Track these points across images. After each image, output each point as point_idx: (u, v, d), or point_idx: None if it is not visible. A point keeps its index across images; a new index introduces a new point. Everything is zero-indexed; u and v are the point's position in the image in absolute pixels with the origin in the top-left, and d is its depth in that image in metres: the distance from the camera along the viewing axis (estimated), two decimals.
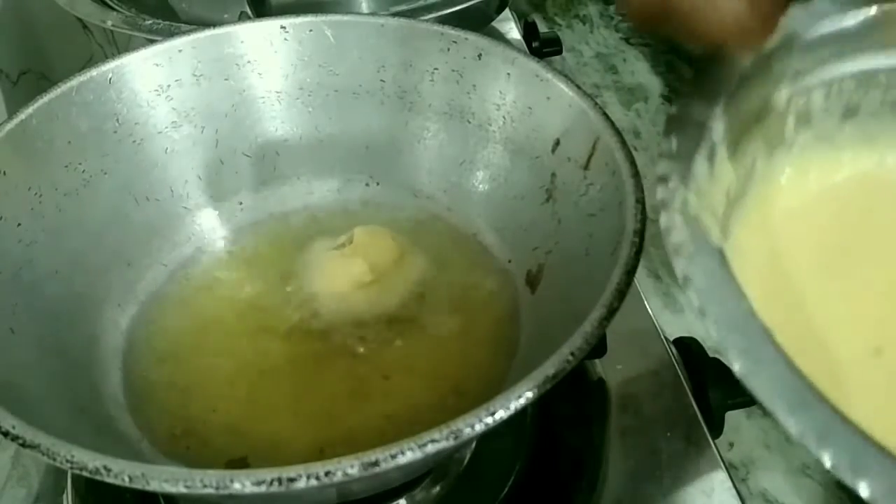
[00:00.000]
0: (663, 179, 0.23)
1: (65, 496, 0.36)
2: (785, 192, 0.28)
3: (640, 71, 0.85)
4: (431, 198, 0.40)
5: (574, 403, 0.37)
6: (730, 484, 0.35)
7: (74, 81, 0.36)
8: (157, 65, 0.38)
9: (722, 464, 0.36)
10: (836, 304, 0.25)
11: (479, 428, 0.22)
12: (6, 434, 0.23)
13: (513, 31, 0.72)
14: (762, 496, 0.47)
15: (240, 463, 0.31)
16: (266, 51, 0.40)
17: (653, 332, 0.42)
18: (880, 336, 0.24)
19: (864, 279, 0.26)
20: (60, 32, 0.67)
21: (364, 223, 0.38)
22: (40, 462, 0.39)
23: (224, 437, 0.32)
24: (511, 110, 0.37)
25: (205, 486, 0.21)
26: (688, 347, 0.41)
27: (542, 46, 0.70)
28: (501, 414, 0.22)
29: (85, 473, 0.22)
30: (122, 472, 0.21)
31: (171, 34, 0.40)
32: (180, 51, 0.38)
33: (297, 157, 0.41)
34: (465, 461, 0.36)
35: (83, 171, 0.36)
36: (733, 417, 0.39)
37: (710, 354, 0.41)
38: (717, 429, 0.38)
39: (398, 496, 0.34)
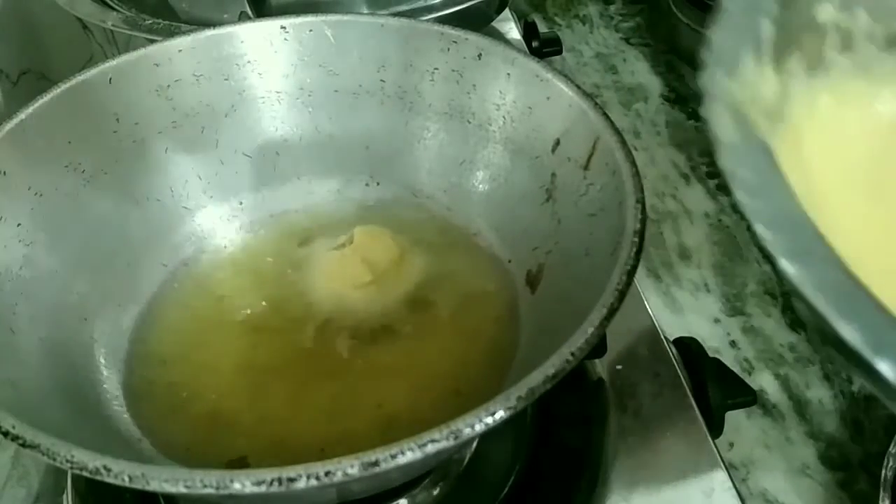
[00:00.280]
0: (706, 67, 0.22)
1: (65, 496, 0.36)
2: (821, 120, 0.27)
3: (640, 71, 0.85)
4: (431, 198, 0.40)
5: (574, 403, 0.37)
6: (730, 484, 0.35)
7: (74, 81, 0.36)
8: (157, 65, 0.38)
9: (722, 464, 0.36)
10: (868, 245, 0.24)
11: (479, 428, 0.22)
12: (6, 434, 0.23)
13: (513, 31, 0.72)
14: (762, 496, 0.47)
15: (240, 463, 0.31)
16: (266, 51, 0.40)
17: (653, 332, 0.42)
18: None
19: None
20: (60, 32, 0.67)
21: (364, 223, 0.38)
22: (40, 462, 0.39)
23: (224, 437, 0.32)
24: (511, 110, 0.37)
25: (205, 486, 0.21)
26: (688, 347, 0.41)
27: (542, 46, 0.70)
28: (501, 414, 0.22)
29: (85, 473, 0.22)
30: (122, 472, 0.21)
31: (171, 34, 0.40)
32: (180, 51, 0.38)
33: (297, 157, 0.41)
34: (465, 461, 0.36)
35: (83, 171, 0.36)
36: (733, 417, 0.39)
37: (710, 354, 0.41)
38: (717, 429, 0.38)
39: (398, 496, 0.34)
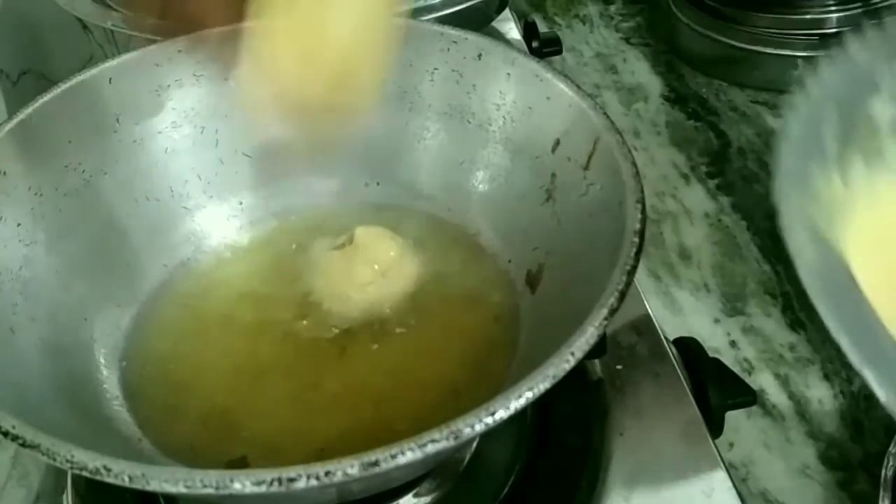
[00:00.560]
0: (777, 186, 0.23)
1: (65, 496, 0.36)
2: (883, 209, 0.28)
3: (640, 71, 0.85)
4: (431, 198, 0.40)
5: (574, 403, 0.37)
6: (730, 484, 0.35)
7: (74, 81, 0.36)
8: (157, 65, 0.38)
9: (722, 464, 0.36)
10: None
11: (479, 428, 0.22)
12: (6, 434, 0.23)
13: (513, 31, 0.72)
14: (762, 496, 0.47)
15: (240, 463, 0.31)
16: None
17: (653, 333, 0.42)
18: None
19: None
20: (60, 32, 0.67)
21: (364, 223, 0.38)
22: (40, 462, 0.39)
23: (224, 437, 0.32)
24: (511, 110, 0.37)
25: (205, 486, 0.21)
26: (688, 347, 0.41)
27: (542, 46, 0.70)
28: (501, 414, 0.22)
29: (85, 473, 0.22)
30: (122, 472, 0.22)
31: (171, 34, 0.40)
32: (180, 51, 0.38)
33: (297, 157, 0.41)
34: (465, 461, 0.36)
35: (83, 171, 0.36)
36: (733, 417, 0.39)
37: (710, 354, 0.41)
38: (717, 429, 0.38)
39: (398, 496, 0.34)
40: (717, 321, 0.58)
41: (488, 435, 0.28)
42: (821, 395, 0.52)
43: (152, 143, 0.38)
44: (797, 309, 0.58)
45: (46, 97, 0.34)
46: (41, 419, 0.24)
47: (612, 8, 0.95)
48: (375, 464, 0.21)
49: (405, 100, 0.40)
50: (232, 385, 0.34)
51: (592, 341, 0.24)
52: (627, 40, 0.89)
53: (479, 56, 0.37)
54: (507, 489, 0.35)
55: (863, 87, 0.28)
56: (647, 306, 0.43)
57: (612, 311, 0.25)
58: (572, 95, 0.34)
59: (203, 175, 0.40)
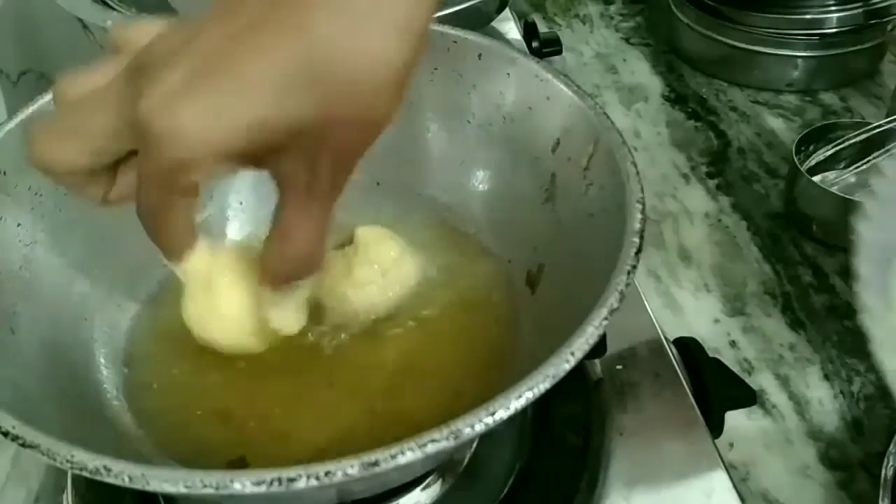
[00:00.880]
0: (862, 310, 0.23)
1: (65, 496, 0.36)
2: None
3: (640, 71, 0.85)
4: (431, 198, 0.40)
5: (574, 403, 0.37)
6: (730, 484, 0.35)
7: None
8: None
9: (722, 464, 0.36)
10: None
11: (479, 428, 0.22)
12: (6, 434, 0.23)
13: (513, 31, 0.72)
14: (762, 496, 0.47)
15: (240, 463, 0.31)
16: None
17: (653, 332, 0.42)
18: None
19: None
20: (60, 32, 0.67)
21: (364, 223, 0.38)
22: (40, 462, 0.39)
23: (224, 437, 0.32)
24: (511, 110, 0.37)
25: (205, 486, 0.21)
26: (688, 347, 0.41)
27: (542, 46, 0.70)
28: (501, 414, 0.22)
29: (85, 473, 0.22)
30: (122, 472, 0.22)
31: None
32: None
33: None
34: (465, 461, 0.36)
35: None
36: (733, 417, 0.39)
37: (710, 354, 0.41)
38: (717, 429, 0.38)
39: (398, 496, 0.34)
40: (717, 321, 0.58)
41: (488, 435, 0.28)
42: (821, 395, 0.53)
43: None
44: (797, 309, 0.58)
45: (46, 97, 0.34)
46: (41, 419, 0.24)
47: (612, 8, 0.95)
48: (375, 464, 0.21)
49: (405, 100, 0.40)
50: (232, 385, 0.34)
51: (592, 341, 0.24)
52: (627, 40, 0.89)
53: (479, 56, 0.37)
54: (507, 489, 0.35)
55: None
56: (647, 306, 0.43)
57: (612, 311, 0.25)
58: (572, 96, 0.34)
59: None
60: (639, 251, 0.27)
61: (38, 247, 0.33)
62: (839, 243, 0.62)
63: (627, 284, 0.26)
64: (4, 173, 0.32)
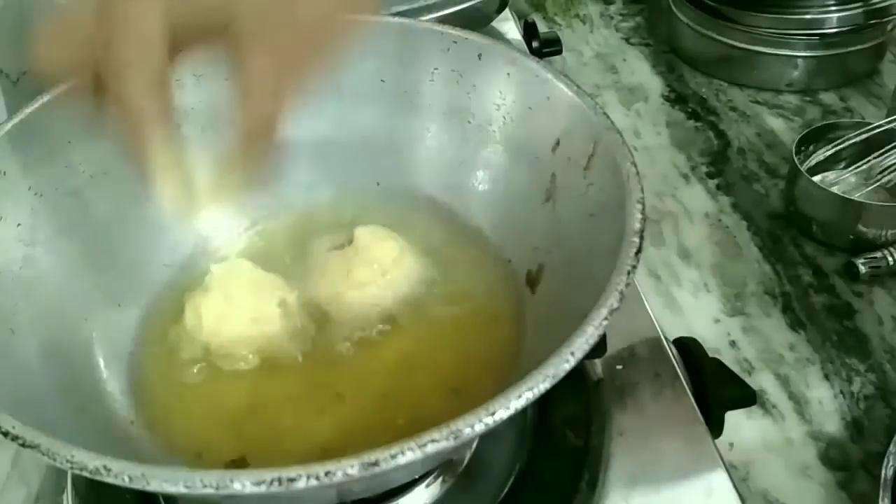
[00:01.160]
0: None
1: (65, 496, 0.36)
2: None
3: (640, 71, 0.85)
4: (431, 198, 0.40)
5: (574, 403, 0.37)
6: (730, 484, 0.35)
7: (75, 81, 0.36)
8: None
9: (722, 464, 0.36)
10: None
11: (479, 428, 0.22)
12: (6, 434, 0.23)
13: (513, 31, 0.72)
14: (762, 496, 0.47)
15: (240, 463, 0.31)
16: None
17: (653, 332, 0.42)
18: None
19: None
20: None
21: (364, 223, 0.38)
22: (40, 462, 0.39)
23: (224, 437, 0.32)
24: (511, 110, 0.37)
25: (205, 486, 0.21)
26: (688, 347, 0.41)
27: (542, 46, 0.70)
28: (501, 414, 0.22)
29: (85, 473, 0.22)
30: (122, 472, 0.21)
31: None
32: (181, 51, 0.38)
33: (298, 157, 0.41)
34: (465, 461, 0.36)
35: (83, 171, 0.36)
36: (733, 417, 0.39)
37: (710, 354, 0.41)
38: (716, 429, 0.38)
39: (398, 496, 0.34)
40: (717, 321, 0.58)
41: (488, 435, 0.28)
42: (821, 395, 0.53)
43: None
44: (797, 309, 0.58)
45: (46, 97, 0.34)
46: (41, 419, 0.24)
47: (612, 8, 0.95)
48: (375, 464, 0.21)
49: (405, 100, 0.40)
50: (232, 385, 0.34)
51: (592, 341, 0.24)
52: (627, 40, 0.89)
53: (479, 56, 0.37)
54: (507, 489, 0.35)
55: None
56: (647, 306, 0.43)
57: (612, 311, 0.25)
58: (572, 96, 0.34)
59: (204, 175, 0.40)
60: (639, 251, 0.27)
61: (38, 247, 0.33)
62: (839, 243, 0.63)
63: (627, 284, 0.26)
64: (4, 173, 0.32)
